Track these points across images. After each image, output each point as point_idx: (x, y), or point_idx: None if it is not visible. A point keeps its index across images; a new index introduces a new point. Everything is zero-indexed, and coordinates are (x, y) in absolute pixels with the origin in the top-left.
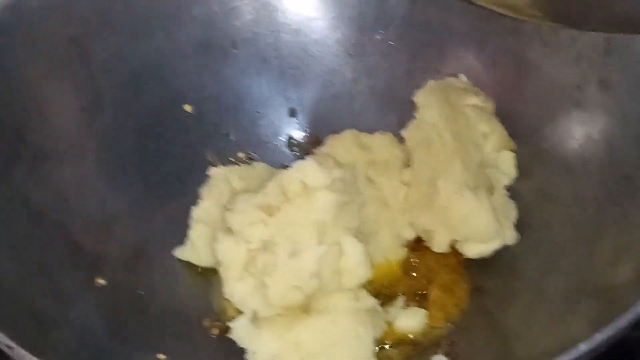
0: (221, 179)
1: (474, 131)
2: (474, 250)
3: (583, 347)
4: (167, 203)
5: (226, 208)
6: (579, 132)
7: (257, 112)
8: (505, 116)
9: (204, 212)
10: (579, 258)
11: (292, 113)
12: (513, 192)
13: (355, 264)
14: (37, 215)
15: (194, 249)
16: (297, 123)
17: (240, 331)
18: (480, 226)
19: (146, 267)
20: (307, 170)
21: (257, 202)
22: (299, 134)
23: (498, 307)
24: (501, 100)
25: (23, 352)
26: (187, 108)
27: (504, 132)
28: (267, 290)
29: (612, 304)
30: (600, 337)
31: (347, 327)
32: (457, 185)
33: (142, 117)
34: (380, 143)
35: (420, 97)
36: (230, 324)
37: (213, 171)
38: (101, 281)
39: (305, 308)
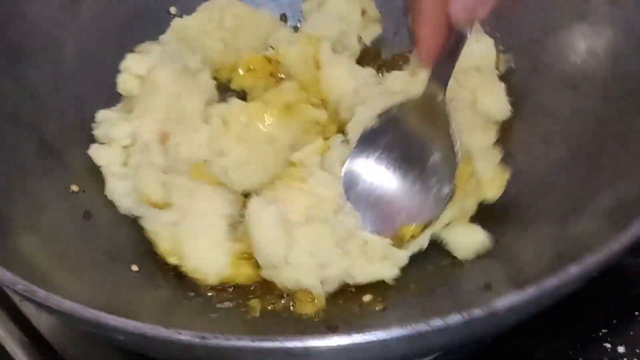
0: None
1: None
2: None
3: (574, 269)
4: None
5: None
6: (582, 45)
7: None
8: (505, 26)
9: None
10: (577, 176)
11: (283, 19)
12: (513, 108)
13: None
14: (11, 116)
15: None
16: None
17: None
18: None
19: None
20: None
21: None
22: None
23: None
24: (501, 9)
25: None
26: (173, 10)
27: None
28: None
29: (608, 226)
30: (591, 260)
31: None
32: None
33: (124, 17)
34: None
35: None
36: None
37: None
38: (75, 187)
39: None
